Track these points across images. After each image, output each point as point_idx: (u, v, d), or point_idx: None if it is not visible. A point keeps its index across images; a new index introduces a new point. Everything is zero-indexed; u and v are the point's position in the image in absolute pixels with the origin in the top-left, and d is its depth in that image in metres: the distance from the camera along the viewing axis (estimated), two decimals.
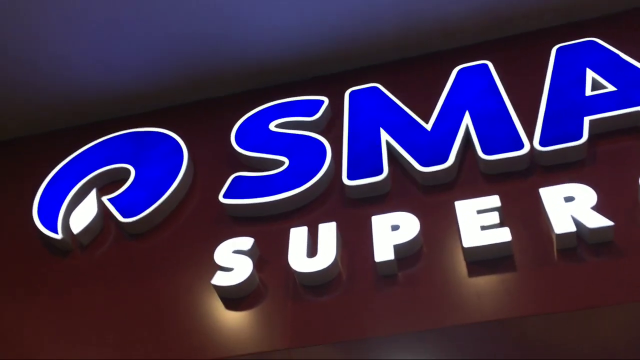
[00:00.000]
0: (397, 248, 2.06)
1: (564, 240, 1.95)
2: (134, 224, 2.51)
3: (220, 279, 2.15)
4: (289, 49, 2.99)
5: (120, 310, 2.27)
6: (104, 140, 2.94)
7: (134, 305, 2.27)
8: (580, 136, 2.21)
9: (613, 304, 1.83)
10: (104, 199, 2.62)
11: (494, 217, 2.04)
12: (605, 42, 2.57)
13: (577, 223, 1.94)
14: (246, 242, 2.24)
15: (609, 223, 1.90)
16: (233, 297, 2.16)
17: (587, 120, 2.26)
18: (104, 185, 2.78)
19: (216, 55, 2.99)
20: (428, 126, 2.49)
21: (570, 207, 2.00)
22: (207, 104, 3.17)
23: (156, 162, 2.73)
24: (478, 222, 2.04)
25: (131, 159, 2.78)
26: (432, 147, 2.38)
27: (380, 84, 2.78)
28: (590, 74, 2.44)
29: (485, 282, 1.98)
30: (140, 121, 3.04)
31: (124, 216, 2.53)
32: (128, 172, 2.73)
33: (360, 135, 2.55)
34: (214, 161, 2.75)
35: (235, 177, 2.53)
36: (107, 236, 2.59)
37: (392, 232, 2.11)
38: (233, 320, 2.14)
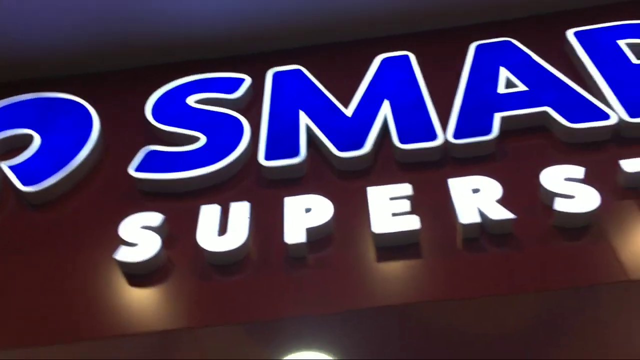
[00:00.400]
0: (309, 231, 2.06)
1: (468, 230, 2.02)
2: (35, 194, 2.38)
3: (124, 255, 2.08)
4: (212, 24, 2.92)
5: (17, 285, 2.14)
6: (8, 105, 2.75)
7: (32, 280, 2.15)
8: (490, 131, 2.29)
9: (510, 293, 1.91)
10: (3, 164, 2.46)
11: (405, 205, 2.08)
12: (521, 42, 2.67)
13: (481, 214, 2.01)
14: (155, 218, 2.17)
15: (511, 216, 1.99)
16: (138, 274, 2.09)
17: (497, 116, 2.35)
18: (6, 152, 2.61)
19: (134, 24, 2.87)
20: (348, 112, 2.50)
21: (476, 198, 2.07)
22: (122, 74, 3.04)
23: (64, 130, 2.59)
24: (389, 209, 2.08)
25: (37, 125, 2.62)
26: (350, 133, 2.40)
27: (304, 66, 2.76)
28: (504, 73, 2.54)
29: (392, 268, 2.02)
30: (49, 86, 2.87)
31: (25, 184, 2.39)
32: (32, 139, 2.58)
33: (280, 117, 2.52)
34: (127, 133, 2.64)
35: (148, 152, 2.44)
36: (4, 205, 2.43)
37: (305, 214, 2.11)
38: (138, 297, 2.07)
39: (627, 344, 2.18)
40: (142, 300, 2.06)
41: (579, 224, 2.00)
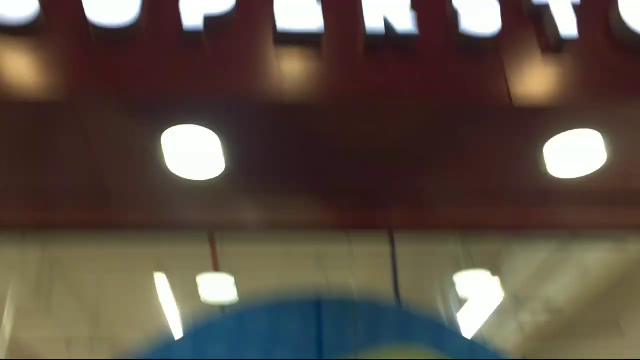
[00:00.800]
0: (208, 16, 1.94)
1: (371, 38, 1.98)
2: None
3: None
4: None
5: None
6: None
7: None
8: None
9: (397, 102, 1.94)
10: None
11: (312, 4, 1.99)
12: None
13: (386, 24, 1.97)
14: None
15: (413, 30, 1.96)
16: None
17: None
18: None
19: None
20: None
21: (385, 7, 2.00)
22: None
23: None
24: (295, 3, 1.98)
25: None
26: None
27: None
28: None
29: (291, 65, 1.97)
30: None
31: None
32: None
33: None
34: None
35: None
36: None
37: None
38: (13, 64, 1.91)
39: (503, 171, 2.29)
40: (18, 68, 1.90)
41: (479, 46, 2.01)
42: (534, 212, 2.38)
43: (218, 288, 4.51)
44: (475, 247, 4.97)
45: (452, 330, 2.00)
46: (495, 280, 4.93)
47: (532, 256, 5.06)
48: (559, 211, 2.37)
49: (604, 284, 5.62)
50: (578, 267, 5.22)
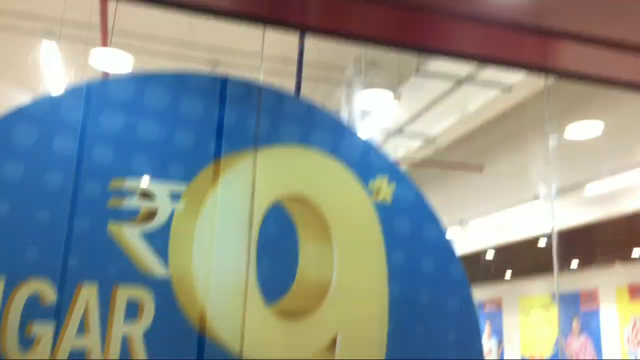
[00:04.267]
0: None
1: None
2: None
3: None
4: None
5: None
6: None
7: None
8: None
9: None
10: None
11: None
12: None
13: None
14: None
15: None
16: None
17: None
18: None
19: None
20: None
21: None
22: None
23: None
24: None
25: None
26: None
27: None
28: None
29: None
30: None
31: None
32: None
33: None
34: None
35: None
36: None
37: None
38: None
39: None
40: None
41: None
42: (447, 29, 2.40)
43: (112, 63, 4.31)
44: (378, 70, 5.06)
45: (352, 132, 2.06)
46: (394, 103, 5.13)
47: (422, 96, 5.28)
48: (469, 34, 2.40)
49: (478, 128, 6.07)
50: (461, 111, 5.55)
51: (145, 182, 1.80)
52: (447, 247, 2.08)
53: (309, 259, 1.90)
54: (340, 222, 1.96)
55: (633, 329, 8.34)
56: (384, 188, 2.05)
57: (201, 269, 1.80)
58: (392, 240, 2.00)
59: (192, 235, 1.82)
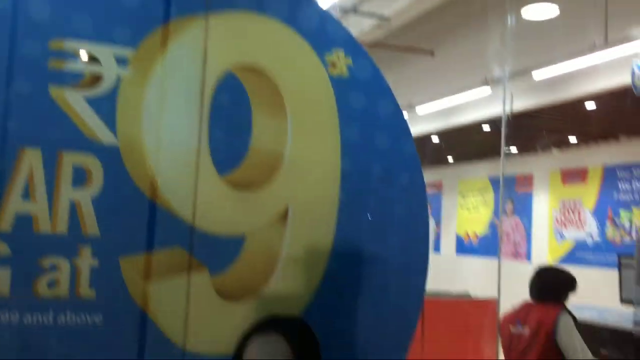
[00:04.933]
0: None
1: None
2: None
3: None
4: None
5: None
6: None
7: None
8: None
9: None
10: None
11: None
12: None
13: None
14: None
15: None
16: None
17: None
18: None
19: None
20: None
21: None
22: None
23: None
24: None
25: None
26: None
27: None
28: None
29: None
30: None
31: None
32: None
33: None
34: None
35: None
36: None
37: None
38: None
39: None
40: None
41: None
42: None
43: None
44: None
45: (310, 1, 1.97)
46: None
47: None
48: None
49: (432, 10, 5.94)
50: None
51: (87, 44, 1.67)
52: (400, 123, 2.08)
53: (262, 130, 1.87)
54: (295, 94, 1.91)
55: (561, 211, 8.89)
56: (341, 61, 1.99)
57: (151, 137, 1.74)
58: (347, 115, 1.98)
59: (141, 103, 1.74)
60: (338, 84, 1.96)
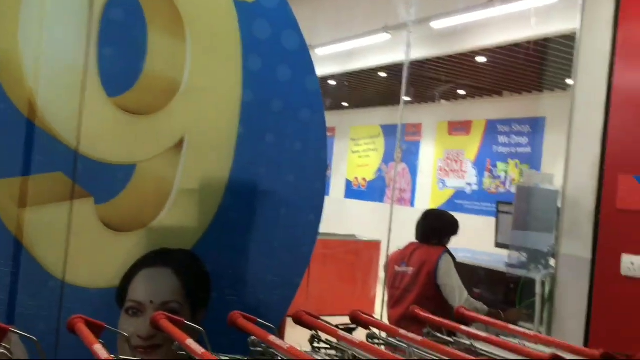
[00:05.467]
0: None
1: None
2: None
3: None
4: None
5: None
6: None
7: None
8: None
9: None
10: None
11: None
12: None
13: None
14: None
15: None
16: None
17: None
18: None
19: None
20: None
21: None
22: None
23: None
24: None
25: None
26: None
27: None
28: None
29: None
30: None
31: None
32: None
33: None
34: None
35: None
36: None
37: None
38: None
39: None
40: None
41: None
42: None
43: None
44: None
45: None
46: None
47: None
48: None
49: None
50: None
51: None
52: (305, 58, 2.02)
53: (158, 52, 1.73)
54: (195, 15, 1.79)
55: (445, 160, 9.34)
56: None
57: (29, 52, 1.56)
58: (250, 43, 1.88)
59: (17, 14, 1.55)
60: (242, 8, 1.85)
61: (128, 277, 1.66)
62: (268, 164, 1.95)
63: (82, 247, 1.64)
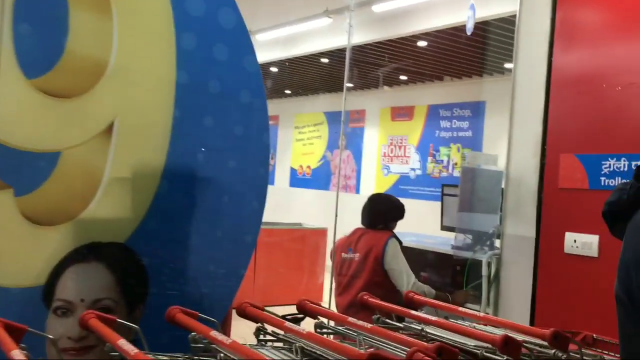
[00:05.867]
0: None
1: None
2: None
3: None
4: None
5: None
6: None
7: None
8: None
9: None
10: None
11: None
12: None
13: None
14: None
15: None
16: None
17: None
18: None
19: None
20: None
21: None
22: None
23: None
24: None
25: None
26: None
27: None
28: None
29: None
30: None
31: None
32: None
33: None
34: None
35: None
36: None
37: None
38: None
39: None
40: None
41: None
42: None
43: None
44: None
45: None
46: None
47: None
48: None
49: None
50: None
51: None
52: (243, 36, 1.92)
53: (81, 30, 1.59)
54: None
55: (389, 146, 9.38)
56: None
57: None
58: (184, 21, 1.77)
59: None
60: None
61: (55, 274, 1.54)
62: (207, 149, 1.85)
63: (1, 244, 1.50)
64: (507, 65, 6.99)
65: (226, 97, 1.87)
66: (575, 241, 2.42)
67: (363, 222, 3.09)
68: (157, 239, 1.77)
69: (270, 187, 2.06)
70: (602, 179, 2.38)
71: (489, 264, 2.80)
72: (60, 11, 1.56)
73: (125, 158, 1.68)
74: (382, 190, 8.99)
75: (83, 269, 1.57)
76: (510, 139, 2.74)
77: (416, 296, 1.56)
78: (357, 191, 9.66)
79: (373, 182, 9.48)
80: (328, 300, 3.74)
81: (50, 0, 1.55)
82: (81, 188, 1.62)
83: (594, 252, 2.37)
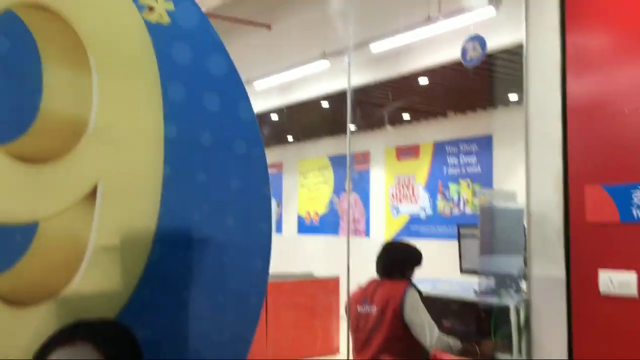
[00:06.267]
0: None
1: None
2: None
3: None
4: None
5: None
6: None
7: None
8: None
9: None
10: None
11: None
12: None
13: None
14: None
15: None
16: None
17: None
18: None
19: None
20: None
21: None
22: None
23: None
24: None
25: None
26: None
27: None
28: None
29: None
30: None
31: None
32: None
33: None
34: None
35: None
36: None
37: None
38: None
39: None
40: None
41: None
42: None
43: None
44: None
45: None
46: None
47: None
48: None
49: None
50: None
51: None
52: (235, 83, 1.78)
53: (56, 87, 1.46)
54: (99, 41, 1.52)
55: (396, 186, 9.21)
56: (160, 4, 1.63)
57: None
58: (170, 71, 1.63)
59: None
60: (156, 31, 1.60)
61: (39, 359, 1.37)
62: (202, 207, 1.69)
63: None
64: (512, 96, 6.87)
65: (220, 149, 1.71)
66: (611, 280, 2.21)
67: (378, 272, 2.90)
68: (151, 310, 1.59)
69: (278, 236, 1.89)
70: (634, 210, 2.19)
71: (517, 310, 2.58)
72: (32, 67, 1.43)
73: (112, 224, 1.52)
74: (393, 232, 8.78)
75: (69, 353, 1.39)
76: (528, 174, 2.56)
77: (442, 356, 1.38)
78: (367, 234, 9.43)
79: (383, 224, 9.26)
80: (346, 354, 3.52)
81: (20, 56, 1.42)
82: (63, 261, 1.46)
83: (633, 290, 2.16)
